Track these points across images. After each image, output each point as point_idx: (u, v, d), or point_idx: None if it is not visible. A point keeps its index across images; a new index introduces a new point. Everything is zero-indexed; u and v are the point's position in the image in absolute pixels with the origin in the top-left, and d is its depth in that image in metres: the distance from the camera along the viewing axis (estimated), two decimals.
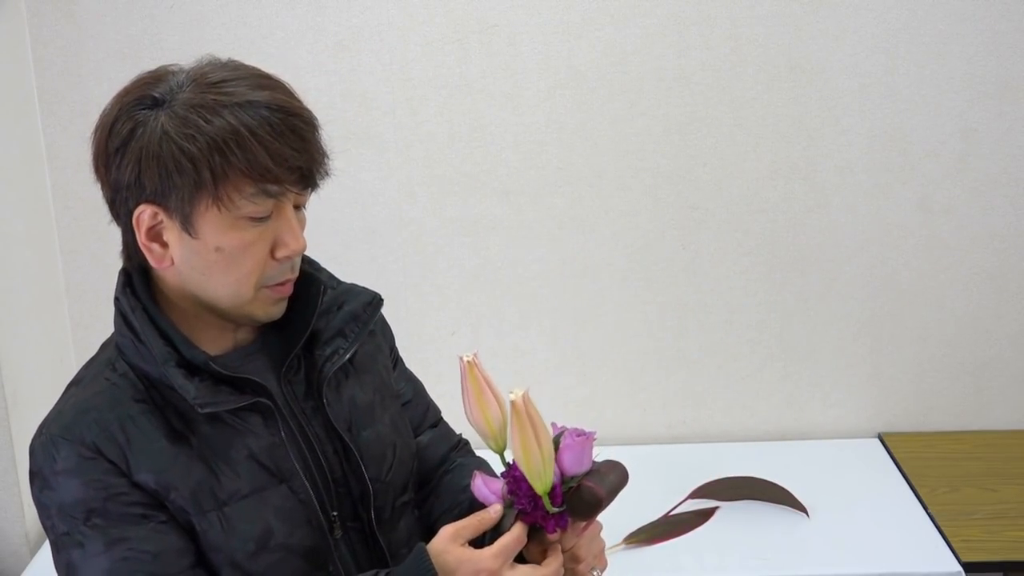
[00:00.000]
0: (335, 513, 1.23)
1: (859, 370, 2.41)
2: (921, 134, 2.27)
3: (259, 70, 1.16)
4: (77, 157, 2.24)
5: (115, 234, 1.19)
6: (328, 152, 1.17)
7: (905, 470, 2.25)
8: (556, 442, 1.17)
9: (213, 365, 1.16)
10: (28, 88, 2.19)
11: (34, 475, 1.15)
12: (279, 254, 1.15)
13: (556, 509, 1.16)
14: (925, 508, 2.12)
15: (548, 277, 2.35)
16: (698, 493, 2.15)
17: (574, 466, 1.16)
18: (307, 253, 1.24)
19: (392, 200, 2.28)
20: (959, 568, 1.93)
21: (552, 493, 1.16)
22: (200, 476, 1.15)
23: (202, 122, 1.08)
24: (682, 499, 2.13)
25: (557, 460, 1.16)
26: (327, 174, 1.17)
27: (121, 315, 1.19)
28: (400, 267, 2.33)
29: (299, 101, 1.15)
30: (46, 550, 2.09)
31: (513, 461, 1.16)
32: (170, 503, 1.14)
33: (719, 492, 2.16)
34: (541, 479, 1.14)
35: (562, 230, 2.32)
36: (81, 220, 2.26)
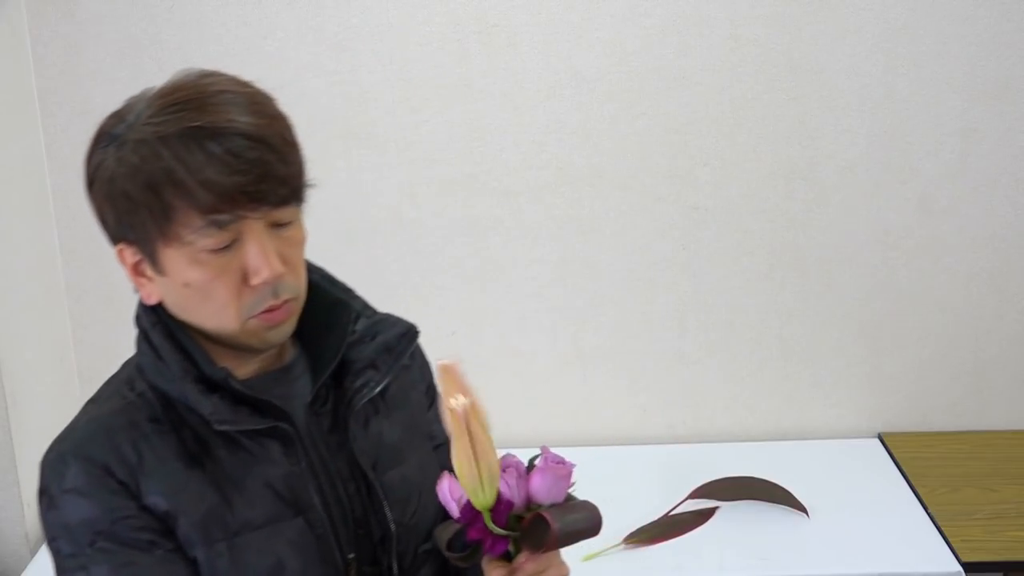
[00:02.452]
0: (352, 555, 1.17)
1: (859, 370, 2.41)
2: (921, 134, 2.27)
3: (232, 81, 1.09)
4: (77, 157, 2.22)
5: None
6: (302, 164, 1.10)
7: (905, 470, 2.25)
8: (531, 464, 1.12)
9: (233, 383, 1.11)
10: (28, 88, 2.19)
11: (42, 493, 1.12)
12: (253, 281, 1.08)
13: (500, 531, 1.08)
14: (925, 508, 2.11)
15: (548, 277, 2.35)
16: (698, 493, 2.15)
17: (542, 493, 1.10)
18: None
19: (392, 200, 2.28)
20: (959, 568, 1.93)
21: (495, 511, 1.09)
22: (212, 503, 1.10)
23: (138, 161, 1.05)
24: (682, 499, 2.13)
25: (528, 481, 1.10)
26: (302, 187, 1.10)
27: (142, 332, 1.16)
28: (400, 267, 2.33)
29: (264, 115, 1.07)
30: (46, 550, 2.09)
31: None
32: (179, 529, 1.09)
33: (719, 492, 2.15)
34: (477, 495, 1.08)
35: (562, 230, 2.32)
36: (81, 220, 2.26)
